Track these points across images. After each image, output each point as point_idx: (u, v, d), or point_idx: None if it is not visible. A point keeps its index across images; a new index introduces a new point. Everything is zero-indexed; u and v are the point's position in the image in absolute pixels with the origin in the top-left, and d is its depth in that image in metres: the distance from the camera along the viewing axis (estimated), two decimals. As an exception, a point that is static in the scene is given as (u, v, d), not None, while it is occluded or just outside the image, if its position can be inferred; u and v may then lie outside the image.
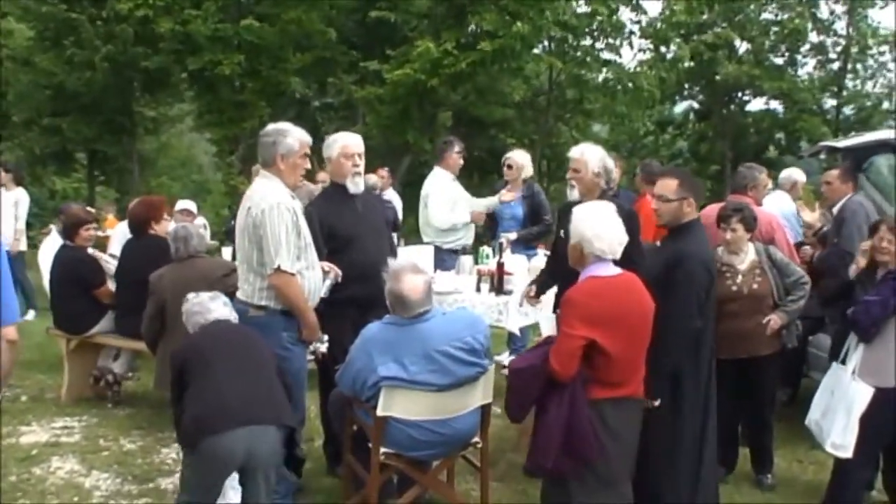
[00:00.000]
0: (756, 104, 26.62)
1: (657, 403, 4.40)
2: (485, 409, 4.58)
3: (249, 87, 18.52)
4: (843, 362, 4.86)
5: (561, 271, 5.77)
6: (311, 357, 5.17)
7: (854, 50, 25.14)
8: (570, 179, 5.63)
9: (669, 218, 4.61)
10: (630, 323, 4.00)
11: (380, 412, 4.29)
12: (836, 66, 25.64)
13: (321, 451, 5.84)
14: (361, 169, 5.45)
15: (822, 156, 9.06)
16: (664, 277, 4.41)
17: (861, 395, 4.68)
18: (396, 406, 4.30)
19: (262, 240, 4.61)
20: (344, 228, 5.34)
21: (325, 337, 4.96)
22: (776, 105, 25.97)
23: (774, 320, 5.50)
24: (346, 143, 5.42)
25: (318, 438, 6.09)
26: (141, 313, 6.33)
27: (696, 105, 27.79)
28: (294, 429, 4.34)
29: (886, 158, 6.97)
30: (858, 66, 25.58)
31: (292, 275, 4.66)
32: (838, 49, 25.38)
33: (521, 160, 8.14)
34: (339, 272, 5.09)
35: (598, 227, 4.04)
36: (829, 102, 25.78)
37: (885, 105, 25.30)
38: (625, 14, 21.04)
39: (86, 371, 7.37)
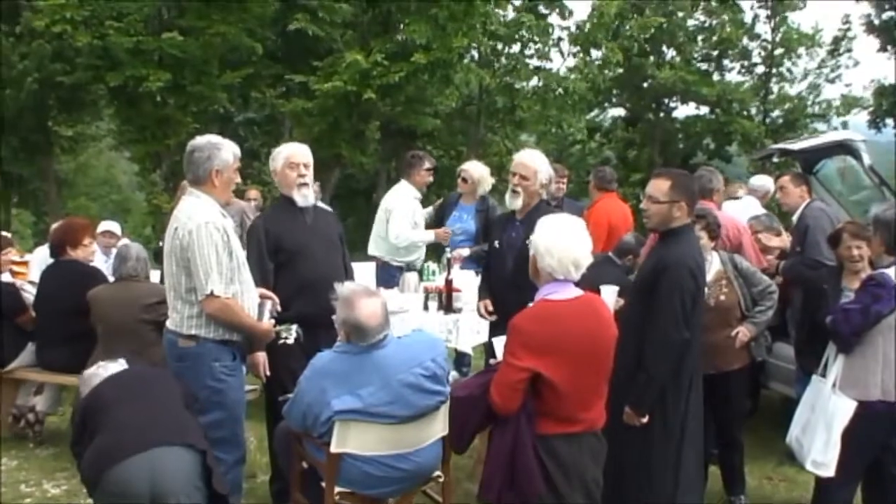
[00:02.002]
0: (683, 110, 26.95)
1: (644, 420, 4.16)
2: (446, 441, 4.23)
3: (173, 103, 17.84)
4: (823, 375, 4.60)
5: (493, 283, 5.56)
6: (252, 388, 4.80)
7: (778, 52, 25.53)
8: (516, 186, 5.47)
9: (658, 221, 4.33)
10: (583, 353, 3.60)
11: (334, 448, 3.96)
12: (760, 69, 26.04)
13: (265, 489, 5.43)
14: (309, 180, 5.22)
15: (775, 159, 8.96)
16: (650, 285, 4.20)
17: (842, 409, 4.42)
18: (352, 441, 3.97)
19: (190, 263, 4.28)
20: (291, 241, 5.11)
21: (294, 327, 4.67)
22: (705, 110, 26.23)
23: (743, 332, 5.27)
24: (291, 153, 5.25)
25: (260, 474, 5.69)
26: (64, 344, 6.03)
27: (623, 112, 27.93)
28: (206, 454, 3.82)
29: (840, 161, 6.81)
30: (783, 69, 25.95)
31: (228, 298, 4.31)
32: (763, 54, 25.81)
33: (476, 173, 7.68)
34: (277, 300, 4.71)
35: (552, 243, 3.64)
36: (756, 107, 26.08)
37: (809, 109, 25.70)
38: (553, 18, 21.05)
39: (6, 410, 6.79)
